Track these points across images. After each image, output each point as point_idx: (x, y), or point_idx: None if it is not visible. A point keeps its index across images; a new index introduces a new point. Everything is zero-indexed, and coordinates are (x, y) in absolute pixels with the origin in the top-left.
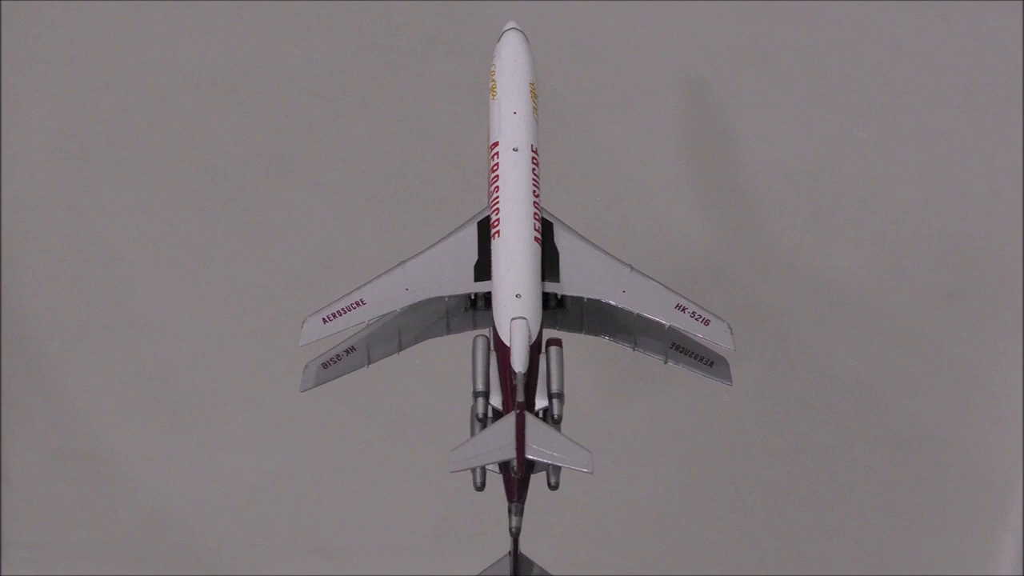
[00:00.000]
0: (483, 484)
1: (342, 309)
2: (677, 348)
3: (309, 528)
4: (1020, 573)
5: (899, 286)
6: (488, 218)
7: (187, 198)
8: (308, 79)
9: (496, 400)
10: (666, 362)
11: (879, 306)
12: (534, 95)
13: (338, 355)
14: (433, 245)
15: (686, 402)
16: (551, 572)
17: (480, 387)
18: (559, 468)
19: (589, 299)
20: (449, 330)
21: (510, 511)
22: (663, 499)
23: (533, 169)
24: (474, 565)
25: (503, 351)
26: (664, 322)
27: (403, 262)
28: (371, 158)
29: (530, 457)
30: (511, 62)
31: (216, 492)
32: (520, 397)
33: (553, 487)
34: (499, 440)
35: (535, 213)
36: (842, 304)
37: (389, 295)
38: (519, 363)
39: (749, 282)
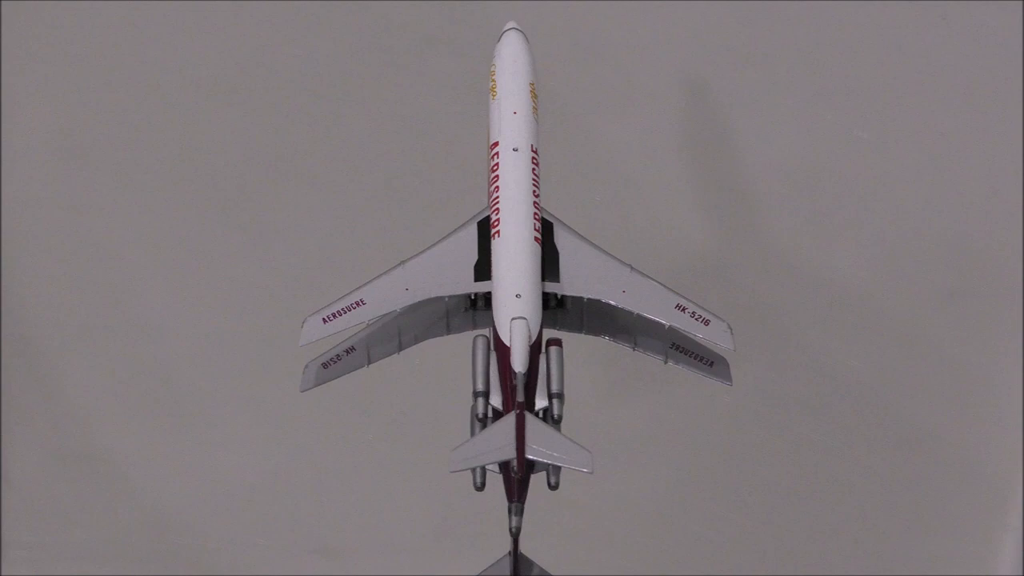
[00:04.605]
0: (483, 484)
1: (342, 309)
2: (677, 348)
3: (309, 528)
4: (1020, 573)
5: (899, 286)
6: (488, 218)
7: (187, 198)
8: (308, 79)
9: (496, 400)
10: (666, 362)
11: (879, 306)
12: (534, 95)
13: (338, 355)
14: (433, 245)
15: (686, 402)
16: (551, 572)
17: (480, 387)
18: (559, 468)
19: (589, 299)
20: (449, 330)
21: (510, 511)
22: (663, 499)
23: (533, 169)
24: (474, 565)
25: (503, 351)
26: (664, 322)
27: (403, 262)
28: (371, 158)
29: (530, 457)
30: (511, 62)
31: (216, 492)
32: (520, 397)
33: (553, 487)
34: (499, 440)
35: (535, 213)
36: (842, 304)
37: (389, 295)
38: (519, 363)
39: (749, 282)
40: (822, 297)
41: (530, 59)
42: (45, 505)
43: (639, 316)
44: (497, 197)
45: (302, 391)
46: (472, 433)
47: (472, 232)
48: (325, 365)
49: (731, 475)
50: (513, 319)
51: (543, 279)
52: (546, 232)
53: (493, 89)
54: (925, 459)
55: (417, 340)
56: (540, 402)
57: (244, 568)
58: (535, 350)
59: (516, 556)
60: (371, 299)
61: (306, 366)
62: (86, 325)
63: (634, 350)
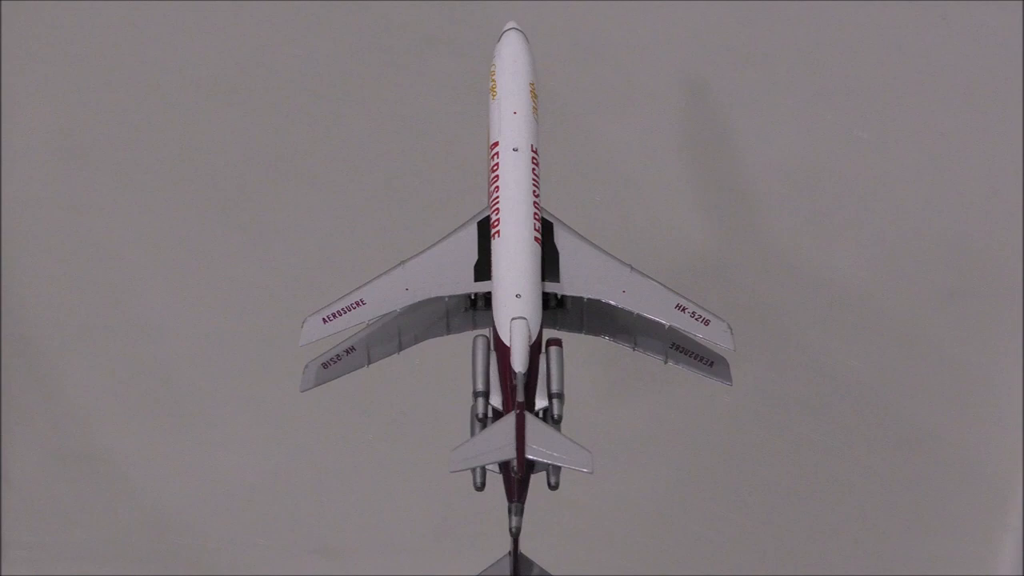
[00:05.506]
0: (483, 484)
1: (342, 309)
2: (677, 348)
3: (309, 528)
4: (1020, 573)
5: (899, 286)
6: (488, 218)
7: (187, 198)
8: (308, 79)
9: (496, 400)
10: (666, 362)
11: (879, 306)
12: (534, 95)
13: (338, 355)
14: (433, 245)
15: (686, 402)
16: (551, 572)
17: (480, 387)
18: (559, 468)
19: (589, 299)
20: (449, 330)
21: (510, 511)
22: (663, 499)
23: (533, 169)
24: (474, 565)
25: (503, 351)
26: (664, 322)
27: (403, 262)
28: (371, 158)
29: (530, 457)
30: (511, 62)
31: (216, 492)
32: (520, 397)
33: (553, 487)
34: (499, 440)
35: (535, 213)
36: (842, 304)
37: (389, 295)
38: (519, 363)
39: (749, 282)
40: (822, 297)
41: (530, 59)
42: (45, 505)
43: (639, 316)
44: (497, 197)
45: (302, 391)
46: (472, 433)
47: (472, 232)
48: (325, 365)
49: (731, 475)
50: (513, 319)
51: (543, 279)
52: (546, 232)
53: (493, 89)
54: (925, 459)
55: (417, 340)
56: (540, 402)
57: (244, 568)
58: (535, 350)
59: (516, 556)
60: (371, 299)
61: (306, 366)
62: (86, 325)
63: (634, 350)
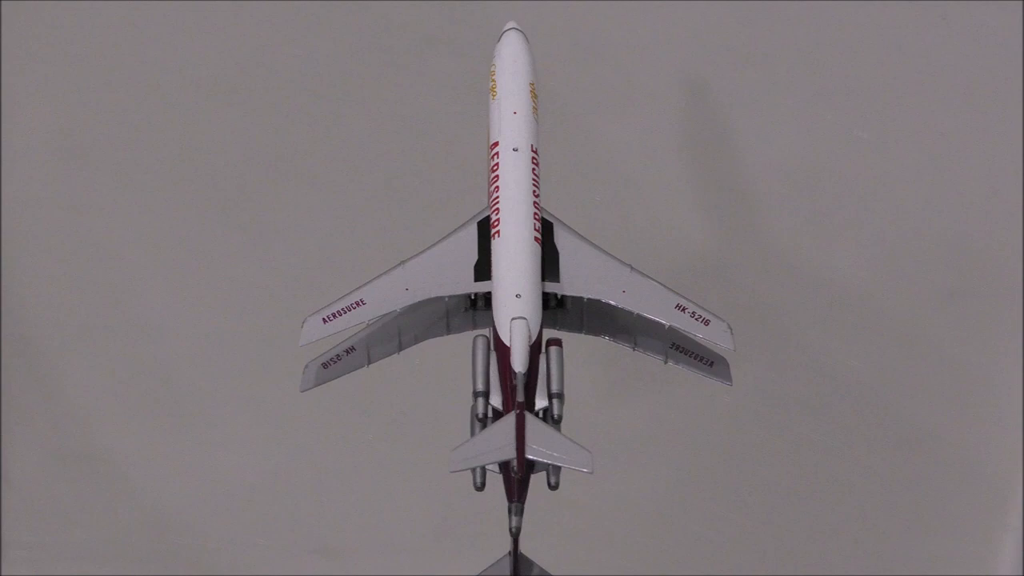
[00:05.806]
0: (483, 484)
1: (342, 309)
2: (677, 348)
3: (309, 528)
4: (1020, 573)
5: (899, 286)
6: (488, 218)
7: (187, 198)
8: (308, 79)
9: (496, 400)
10: (666, 362)
11: (879, 306)
12: (534, 95)
13: (338, 355)
14: (433, 245)
15: (686, 402)
16: (551, 572)
17: (480, 387)
18: (559, 468)
19: (589, 299)
20: (449, 330)
21: (510, 511)
22: (663, 499)
23: (533, 169)
24: (474, 565)
25: (503, 351)
26: (664, 322)
27: (403, 262)
28: (371, 158)
29: (530, 457)
30: (511, 62)
31: (216, 492)
32: (520, 397)
33: (553, 487)
34: (499, 440)
35: (535, 213)
36: (842, 304)
37: (389, 295)
38: (519, 363)
39: (749, 282)
40: (822, 297)
41: (530, 59)
42: (45, 505)
43: (639, 316)
44: (497, 197)
45: (302, 391)
46: (472, 433)
47: (472, 232)
48: (325, 365)
49: (731, 475)
50: (513, 319)
51: (543, 279)
52: (546, 232)
53: (493, 89)
54: (925, 459)
55: (417, 340)
56: (540, 402)
57: (244, 568)
58: (535, 350)
59: (516, 556)
60: (371, 299)
61: (306, 366)
62: (86, 325)
63: (634, 350)
